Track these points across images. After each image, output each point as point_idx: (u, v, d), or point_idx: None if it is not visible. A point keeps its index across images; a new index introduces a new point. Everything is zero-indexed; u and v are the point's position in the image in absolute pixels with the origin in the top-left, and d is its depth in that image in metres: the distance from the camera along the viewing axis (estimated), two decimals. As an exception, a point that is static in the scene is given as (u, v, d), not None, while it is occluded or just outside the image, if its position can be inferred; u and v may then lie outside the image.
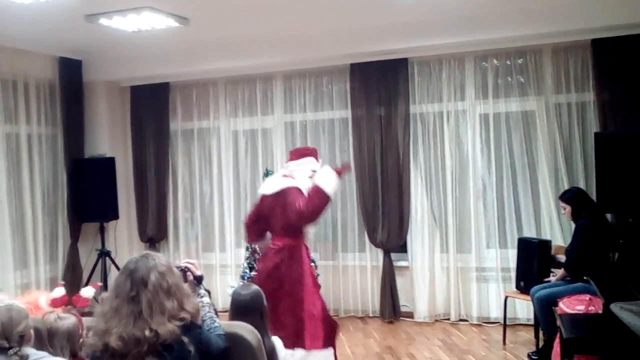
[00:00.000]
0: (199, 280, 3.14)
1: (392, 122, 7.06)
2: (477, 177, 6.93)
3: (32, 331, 2.92)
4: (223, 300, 7.31)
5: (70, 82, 7.67)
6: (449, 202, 6.99)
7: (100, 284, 6.11)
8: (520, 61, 6.81)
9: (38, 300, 3.55)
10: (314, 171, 4.99)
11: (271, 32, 6.90)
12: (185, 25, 6.17)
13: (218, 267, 7.83)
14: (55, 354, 3.00)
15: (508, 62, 6.85)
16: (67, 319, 3.15)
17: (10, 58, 6.89)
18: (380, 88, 7.08)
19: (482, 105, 6.92)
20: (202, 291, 3.12)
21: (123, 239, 8.06)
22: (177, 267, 3.03)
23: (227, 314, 3.55)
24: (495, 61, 6.89)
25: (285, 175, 5.04)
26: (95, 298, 5.03)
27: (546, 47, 6.64)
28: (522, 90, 6.80)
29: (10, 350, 2.77)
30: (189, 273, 3.10)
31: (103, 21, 5.90)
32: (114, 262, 7.61)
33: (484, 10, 6.32)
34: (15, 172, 7.04)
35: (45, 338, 3.03)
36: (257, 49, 7.18)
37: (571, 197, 5.64)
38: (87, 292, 3.87)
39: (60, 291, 3.65)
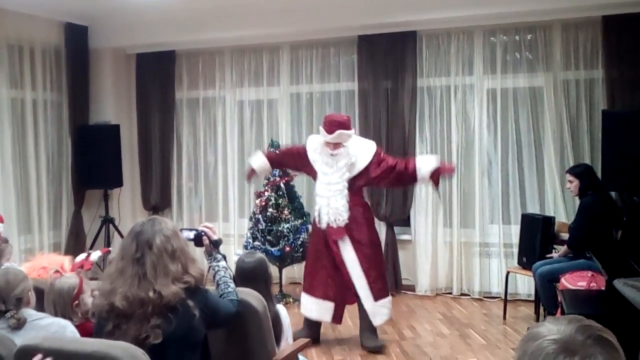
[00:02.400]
0: (215, 244, 3.13)
1: (398, 95, 7.02)
2: (482, 153, 6.91)
3: (31, 293, 2.94)
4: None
5: (76, 48, 7.64)
6: (453, 177, 6.96)
7: (110, 248, 6.14)
8: (529, 37, 6.76)
9: (63, 263, 3.55)
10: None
11: (279, 2, 6.86)
12: (193, -8, 6.13)
13: (221, 236, 7.83)
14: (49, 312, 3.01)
15: (517, 38, 6.80)
16: (69, 279, 3.15)
17: (16, 23, 6.85)
18: (387, 61, 7.04)
19: (489, 81, 6.88)
20: (219, 255, 3.12)
21: (127, 206, 8.08)
22: (195, 231, 3.03)
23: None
24: (504, 36, 6.84)
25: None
26: (97, 263, 5.06)
27: (556, 22, 6.57)
28: (531, 66, 6.75)
29: (8, 313, 2.79)
30: (205, 237, 3.10)
31: (110, -14, 5.86)
32: (117, 230, 7.65)
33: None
34: (20, 138, 7.04)
35: (49, 298, 3.04)
36: (264, 19, 7.13)
37: (581, 172, 5.61)
38: (96, 256, 3.87)
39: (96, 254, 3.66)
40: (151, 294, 2.56)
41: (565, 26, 6.57)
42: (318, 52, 7.46)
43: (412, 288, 7.16)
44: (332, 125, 5.25)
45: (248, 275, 3.41)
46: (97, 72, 7.93)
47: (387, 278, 5.74)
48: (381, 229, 7.19)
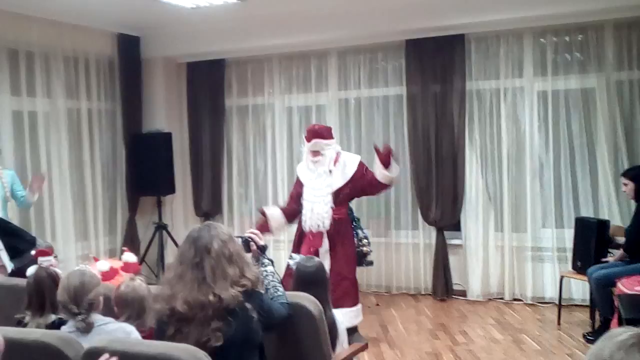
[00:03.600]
0: (262, 249, 3.20)
1: (447, 99, 6.99)
2: (534, 156, 6.82)
3: (101, 298, 3.00)
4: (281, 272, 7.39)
5: (129, 59, 7.82)
6: (504, 181, 6.92)
7: (125, 248, 6.23)
8: (580, 37, 6.66)
9: (118, 268, 3.63)
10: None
11: (326, 8, 6.89)
12: (242, 1, 6.21)
13: (272, 242, 7.91)
14: (126, 321, 3.06)
15: (567, 39, 6.70)
16: (141, 286, 3.21)
17: (72, 35, 7.05)
18: (435, 65, 7.01)
19: (540, 83, 6.79)
20: (266, 260, 3.18)
21: (179, 212, 8.23)
22: (241, 237, 3.10)
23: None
24: (554, 37, 6.74)
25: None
26: (150, 268, 5.11)
27: (608, 22, 6.46)
28: (582, 67, 6.65)
29: (79, 316, 2.86)
30: (252, 243, 3.16)
31: (163, -3, 6.00)
32: (170, 235, 7.79)
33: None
34: (76, 146, 7.24)
35: (135, 304, 3.09)
36: (311, 25, 7.18)
37: (636, 174, 5.49)
38: (129, 257, 3.93)
39: (131, 256, 3.73)
40: (211, 297, 2.62)
41: (617, 25, 6.45)
42: (366, 57, 7.48)
43: (463, 293, 7.11)
44: (310, 134, 5.76)
45: (308, 280, 3.44)
46: (149, 81, 8.11)
47: (353, 291, 5.76)
48: (431, 233, 7.19)
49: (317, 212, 5.63)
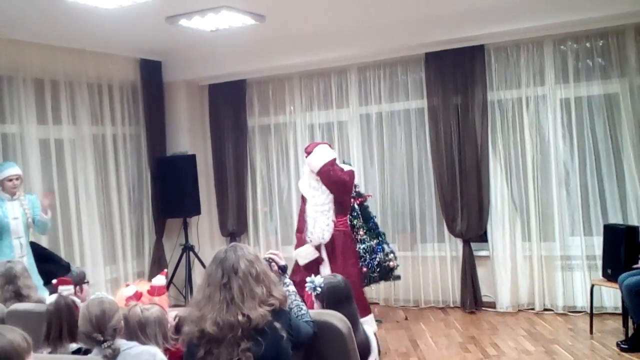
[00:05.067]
0: (283, 269, 3.21)
1: (469, 110, 6.97)
2: (559, 164, 6.77)
3: (122, 322, 3.02)
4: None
5: (151, 83, 7.94)
6: (530, 190, 6.86)
7: (166, 270, 6.27)
8: (601, 43, 6.61)
9: (143, 292, 3.65)
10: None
11: (345, 25, 6.93)
12: (261, 22, 6.27)
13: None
14: (149, 343, 3.08)
15: (588, 45, 6.65)
16: (152, 308, 3.23)
17: (96, 62, 7.19)
18: (456, 76, 7.01)
19: (562, 90, 6.75)
20: (287, 280, 3.19)
21: (205, 233, 8.29)
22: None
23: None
24: (574, 44, 6.71)
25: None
26: (178, 289, 5.12)
27: (629, 26, 6.41)
28: (605, 72, 6.59)
29: (104, 344, 2.88)
30: (273, 263, 3.17)
31: (183, 22, 6.07)
32: (197, 256, 7.84)
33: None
34: (102, 171, 7.34)
35: (136, 329, 3.11)
36: (331, 43, 7.22)
37: None
38: (159, 280, 3.96)
39: (161, 280, 3.75)
40: (240, 317, 2.62)
41: (638, 29, 6.40)
42: (386, 72, 7.50)
43: (492, 305, 7.04)
44: (306, 151, 5.92)
45: (335, 297, 3.43)
46: (172, 104, 8.21)
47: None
48: (457, 245, 7.14)
49: (319, 227, 5.74)
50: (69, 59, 6.83)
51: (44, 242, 6.25)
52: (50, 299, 3.37)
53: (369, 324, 5.67)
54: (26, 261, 5.27)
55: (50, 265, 5.51)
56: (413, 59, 7.30)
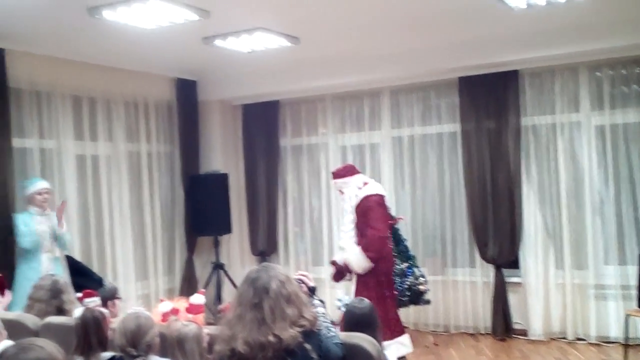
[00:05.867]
0: (312, 290, 3.21)
1: (502, 135, 6.93)
2: (593, 191, 6.68)
3: (157, 339, 3.04)
4: (332, 314, 7.36)
5: (186, 102, 8.04)
6: (563, 217, 6.78)
7: (204, 290, 6.31)
8: (637, 70, 6.53)
9: (180, 308, 3.68)
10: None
11: (379, 48, 6.96)
12: (295, 44, 6.34)
13: (327, 281, 7.90)
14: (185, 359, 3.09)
15: (624, 72, 6.58)
16: (191, 325, 3.25)
17: (132, 81, 7.32)
18: (489, 101, 6.98)
19: (597, 117, 6.68)
20: (316, 301, 3.19)
21: (236, 252, 8.33)
22: None
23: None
24: (610, 71, 6.64)
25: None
26: (207, 305, 5.17)
27: (666, 53, 6.35)
28: (641, 100, 6.53)
29: (138, 359, 2.90)
30: (302, 284, 3.17)
31: (218, 42, 6.16)
32: (227, 275, 7.87)
33: (598, 19, 6.07)
34: (136, 188, 7.44)
35: (175, 345, 3.11)
36: (364, 65, 7.26)
37: None
38: (197, 299, 4.00)
39: (200, 298, 3.78)
40: (271, 338, 2.63)
41: (676, 57, 6.33)
42: (419, 95, 7.50)
43: (524, 333, 6.94)
44: (332, 175, 6.25)
45: (360, 321, 3.42)
46: (206, 123, 8.31)
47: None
48: (489, 271, 7.06)
49: (343, 246, 6.03)
50: (107, 76, 6.96)
51: (77, 255, 6.35)
52: (77, 312, 3.41)
53: (404, 345, 5.78)
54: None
55: (84, 279, 5.57)
56: (446, 82, 7.29)
